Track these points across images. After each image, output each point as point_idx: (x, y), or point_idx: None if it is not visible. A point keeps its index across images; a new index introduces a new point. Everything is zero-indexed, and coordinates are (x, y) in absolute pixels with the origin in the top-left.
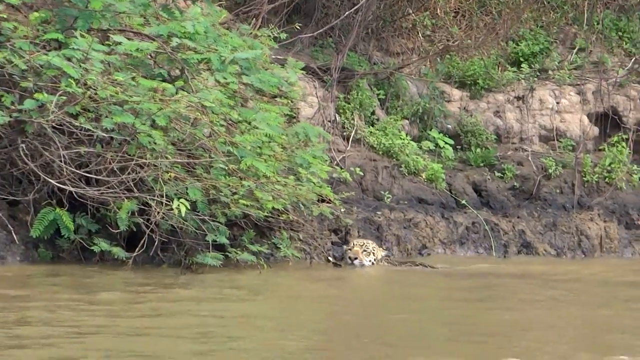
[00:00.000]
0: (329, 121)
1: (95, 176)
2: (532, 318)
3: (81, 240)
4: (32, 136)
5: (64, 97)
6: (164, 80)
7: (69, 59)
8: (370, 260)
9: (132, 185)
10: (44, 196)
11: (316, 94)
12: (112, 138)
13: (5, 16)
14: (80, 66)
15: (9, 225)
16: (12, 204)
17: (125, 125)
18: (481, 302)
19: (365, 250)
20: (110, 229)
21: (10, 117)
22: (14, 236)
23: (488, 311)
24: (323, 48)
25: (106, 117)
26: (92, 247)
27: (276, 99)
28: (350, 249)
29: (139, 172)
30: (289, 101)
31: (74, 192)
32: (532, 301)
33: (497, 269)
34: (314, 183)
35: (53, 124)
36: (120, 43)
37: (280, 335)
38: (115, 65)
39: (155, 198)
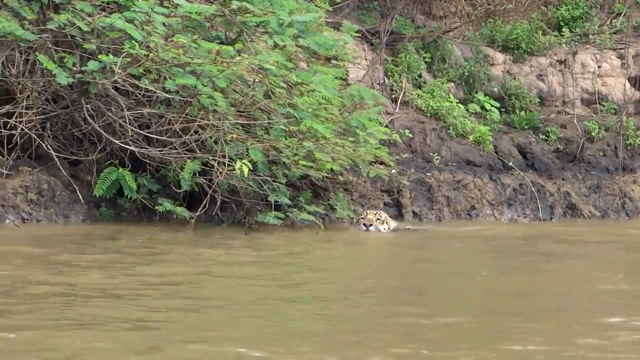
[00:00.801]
0: (378, 84)
1: (158, 137)
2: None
3: (143, 200)
4: (95, 97)
5: (128, 59)
6: (220, 43)
7: (130, 21)
8: (384, 228)
9: (195, 146)
10: (104, 156)
11: (365, 56)
12: (171, 99)
13: None
14: (143, 28)
15: (73, 185)
16: (72, 164)
17: (186, 87)
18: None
19: (379, 219)
20: (171, 189)
21: (74, 78)
22: (79, 195)
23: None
24: (368, 11)
25: (166, 78)
26: (156, 207)
27: (330, 61)
28: (364, 217)
29: (201, 133)
30: (344, 64)
31: (137, 152)
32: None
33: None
34: (371, 144)
35: (116, 85)
36: (179, 5)
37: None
38: (174, 27)
39: (217, 158)
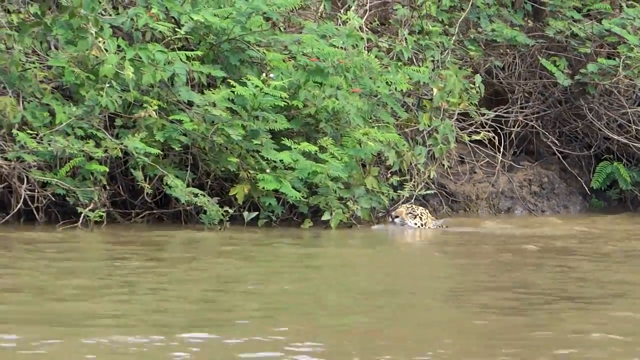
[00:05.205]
0: None
1: None
2: None
3: (633, 191)
4: (591, 97)
5: (628, 62)
6: None
7: (623, 27)
8: (415, 223)
9: None
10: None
11: None
12: None
13: None
14: (638, 34)
15: (565, 178)
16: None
17: None
18: None
19: (409, 213)
20: None
21: (572, 79)
22: (572, 188)
23: None
24: None
25: None
26: None
27: None
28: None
29: None
30: None
31: (632, 147)
32: None
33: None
34: None
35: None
36: None
37: None
38: None
39: None
